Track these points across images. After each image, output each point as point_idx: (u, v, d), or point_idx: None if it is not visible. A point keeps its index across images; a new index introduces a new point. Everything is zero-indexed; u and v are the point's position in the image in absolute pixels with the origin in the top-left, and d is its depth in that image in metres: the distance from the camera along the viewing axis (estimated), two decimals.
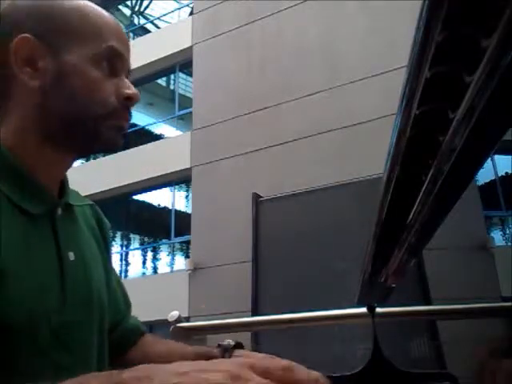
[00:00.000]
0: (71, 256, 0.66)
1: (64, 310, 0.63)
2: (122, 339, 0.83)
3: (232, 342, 0.75)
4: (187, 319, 1.55)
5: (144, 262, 10.75)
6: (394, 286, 0.90)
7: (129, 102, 0.69)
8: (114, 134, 0.68)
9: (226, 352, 0.74)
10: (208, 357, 0.72)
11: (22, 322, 0.57)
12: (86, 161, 10.16)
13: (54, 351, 0.61)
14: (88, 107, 0.65)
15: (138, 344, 0.85)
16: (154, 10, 13.55)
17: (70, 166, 0.71)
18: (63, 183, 0.71)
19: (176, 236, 10.24)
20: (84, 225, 0.75)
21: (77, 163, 0.84)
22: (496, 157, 7.67)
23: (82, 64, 0.64)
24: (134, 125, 10.97)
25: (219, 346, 0.76)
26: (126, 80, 0.70)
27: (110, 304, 0.77)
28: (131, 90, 0.69)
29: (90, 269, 0.71)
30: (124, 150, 8.81)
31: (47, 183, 0.66)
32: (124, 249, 11.02)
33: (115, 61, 0.68)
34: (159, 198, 11.21)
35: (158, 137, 11.45)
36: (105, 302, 0.73)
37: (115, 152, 0.73)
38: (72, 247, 0.67)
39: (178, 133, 11.12)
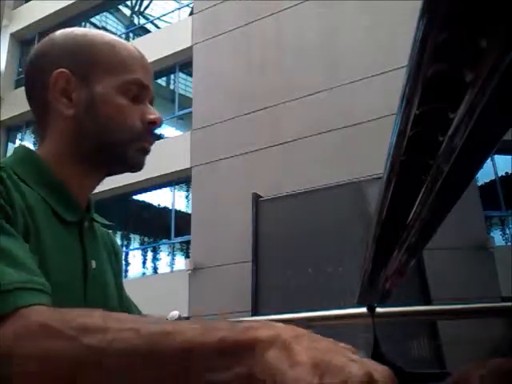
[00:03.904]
0: (93, 264, 0.73)
1: None
2: None
3: None
4: (187, 319, 1.55)
5: (144, 262, 10.75)
6: (394, 285, 0.90)
7: (152, 126, 0.76)
8: (138, 155, 0.75)
9: None
10: None
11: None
12: None
13: None
14: (116, 132, 0.72)
15: None
16: (153, 10, 13.52)
17: (98, 183, 0.79)
18: (89, 201, 0.79)
19: (176, 236, 10.23)
20: (101, 242, 0.81)
21: None
22: (496, 157, 7.66)
23: (110, 93, 0.72)
24: None
25: None
26: (150, 106, 0.77)
27: None
28: (155, 115, 0.76)
29: (107, 280, 0.77)
30: None
31: (78, 197, 0.74)
32: (124, 249, 11.01)
33: (140, 91, 0.75)
34: (159, 197, 11.19)
35: (158, 137, 11.44)
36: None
37: (138, 171, 0.77)
38: (94, 257, 0.74)
39: (178, 133, 11.11)
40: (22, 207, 0.62)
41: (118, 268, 0.87)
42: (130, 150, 0.73)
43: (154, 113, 0.76)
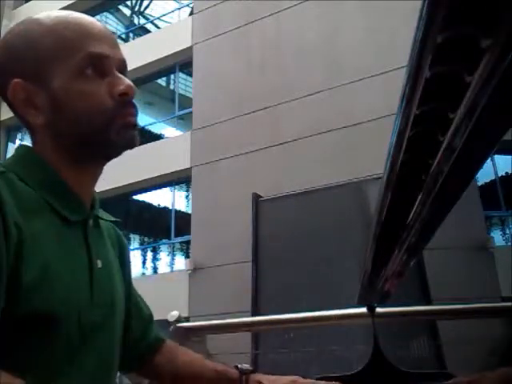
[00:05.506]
0: (99, 263, 0.71)
1: (91, 310, 0.67)
2: (150, 347, 0.89)
3: (249, 367, 0.87)
4: (187, 319, 1.55)
5: (144, 262, 10.75)
6: (394, 286, 0.90)
7: (125, 97, 0.68)
8: (124, 133, 0.69)
9: (244, 375, 0.85)
10: (227, 377, 0.85)
11: (60, 314, 0.60)
12: None
13: (80, 351, 0.64)
14: (89, 121, 0.67)
15: (163, 351, 0.90)
16: (153, 10, 13.52)
17: (98, 176, 0.75)
18: (94, 198, 0.75)
19: (176, 236, 10.23)
20: (107, 238, 0.79)
21: None
22: (496, 157, 7.66)
23: (67, 83, 0.66)
24: None
25: (236, 367, 0.86)
26: (119, 75, 0.69)
27: (136, 314, 0.85)
28: (123, 84, 0.68)
29: (114, 278, 0.76)
30: None
31: (81, 195, 0.71)
32: None
33: (99, 63, 0.67)
34: (159, 197, 11.19)
35: (158, 137, 11.44)
36: (123, 312, 0.78)
37: (134, 148, 0.72)
38: (99, 256, 0.72)
39: (178, 133, 11.10)
40: (15, 216, 0.59)
41: (125, 263, 0.85)
42: (111, 132, 0.67)
43: (122, 82, 0.68)
